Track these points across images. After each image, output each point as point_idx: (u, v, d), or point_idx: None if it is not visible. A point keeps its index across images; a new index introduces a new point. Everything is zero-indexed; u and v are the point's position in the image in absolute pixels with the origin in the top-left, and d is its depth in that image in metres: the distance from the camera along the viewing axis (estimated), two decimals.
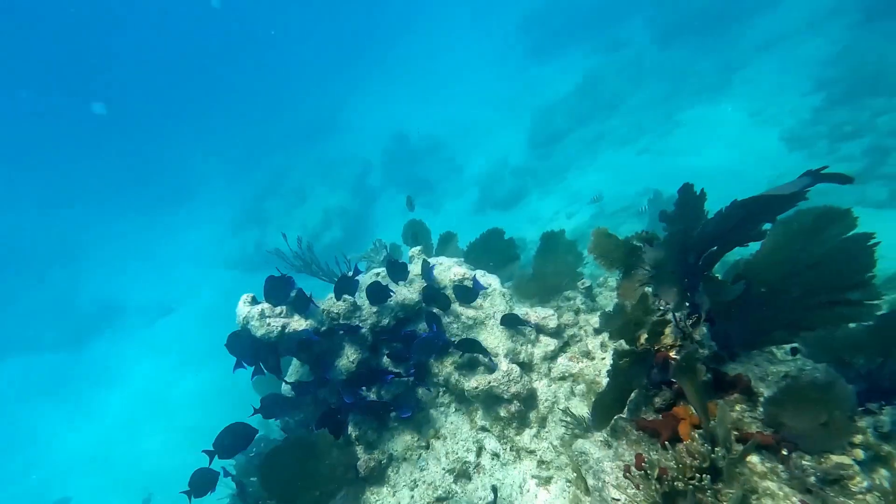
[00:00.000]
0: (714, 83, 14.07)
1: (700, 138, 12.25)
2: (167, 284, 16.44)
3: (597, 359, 4.28)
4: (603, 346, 4.32)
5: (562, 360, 4.43)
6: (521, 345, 4.37)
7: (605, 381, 4.05)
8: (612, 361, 3.02)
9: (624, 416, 3.19)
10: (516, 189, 14.99)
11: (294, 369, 4.56)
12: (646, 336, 3.19)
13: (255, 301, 4.05)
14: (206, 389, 10.93)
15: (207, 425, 5.28)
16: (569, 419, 3.91)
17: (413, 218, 5.77)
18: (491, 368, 4.19)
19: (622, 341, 3.27)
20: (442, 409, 4.35)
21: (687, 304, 3.11)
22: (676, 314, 3.12)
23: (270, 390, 4.34)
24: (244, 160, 22.10)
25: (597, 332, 4.44)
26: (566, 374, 4.32)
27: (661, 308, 3.31)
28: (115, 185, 22.52)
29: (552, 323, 4.48)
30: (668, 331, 3.16)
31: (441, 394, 4.38)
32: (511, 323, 4.29)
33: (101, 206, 21.59)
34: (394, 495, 3.98)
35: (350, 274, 4.21)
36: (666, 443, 2.69)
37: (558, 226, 11.97)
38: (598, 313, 4.65)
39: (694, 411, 2.66)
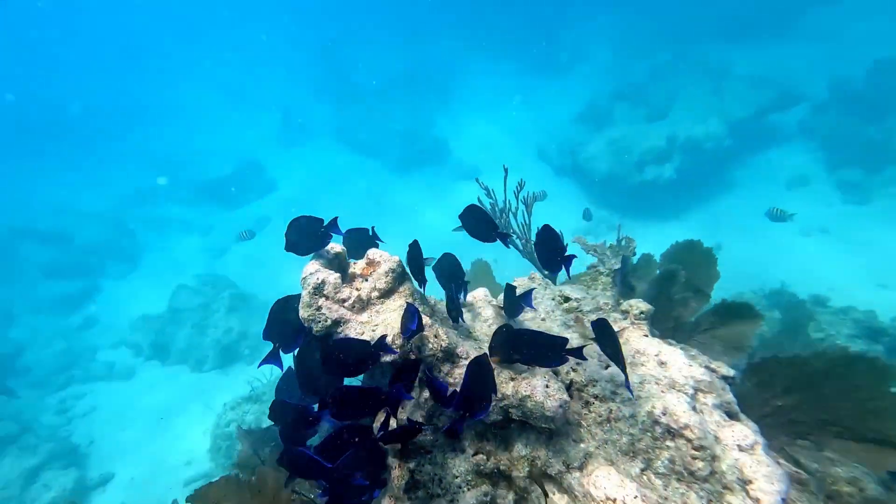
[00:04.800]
0: None
1: None
2: (486, 152, 16.34)
3: None
4: None
5: None
6: None
7: None
8: None
9: None
10: None
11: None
12: None
13: (336, 261, 2.52)
14: None
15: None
16: None
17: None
18: None
19: None
20: None
21: None
22: None
23: None
24: (631, 46, 18.42)
25: None
26: None
27: None
28: (502, 43, 22.08)
29: None
30: None
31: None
32: None
33: (479, 57, 22.01)
34: None
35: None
36: None
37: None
38: None
39: None
